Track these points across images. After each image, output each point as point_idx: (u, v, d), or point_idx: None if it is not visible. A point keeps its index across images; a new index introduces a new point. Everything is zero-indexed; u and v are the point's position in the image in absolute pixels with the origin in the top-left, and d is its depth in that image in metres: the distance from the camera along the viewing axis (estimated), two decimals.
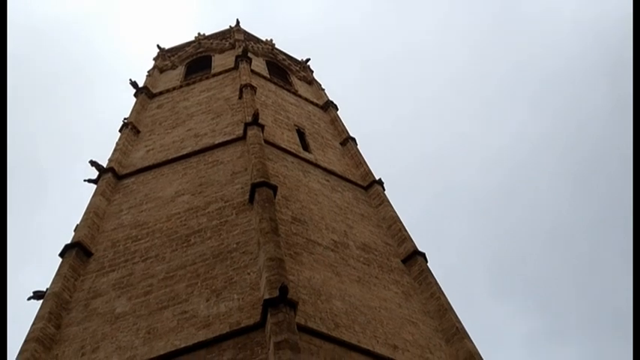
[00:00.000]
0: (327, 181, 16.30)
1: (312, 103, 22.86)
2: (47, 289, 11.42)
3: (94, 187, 15.41)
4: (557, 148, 58.62)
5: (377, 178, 17.38)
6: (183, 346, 9.33)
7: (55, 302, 10.88)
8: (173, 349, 9.33)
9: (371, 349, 9.96)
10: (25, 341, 9.98)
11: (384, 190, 17.08)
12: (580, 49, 61.41)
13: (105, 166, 16.12)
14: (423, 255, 13.92)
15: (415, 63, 71.56)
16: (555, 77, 61.04)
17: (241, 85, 19.50)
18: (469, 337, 11.43)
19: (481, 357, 10.95)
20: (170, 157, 16.23)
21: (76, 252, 12.31)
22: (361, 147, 19.70)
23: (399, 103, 70.03)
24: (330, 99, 23.45)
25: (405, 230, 14.98)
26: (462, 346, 11.16)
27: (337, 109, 22.79)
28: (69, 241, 12.72)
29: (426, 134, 64.92)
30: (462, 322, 11.86)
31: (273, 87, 22.16)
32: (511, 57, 65.28)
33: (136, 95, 21.76)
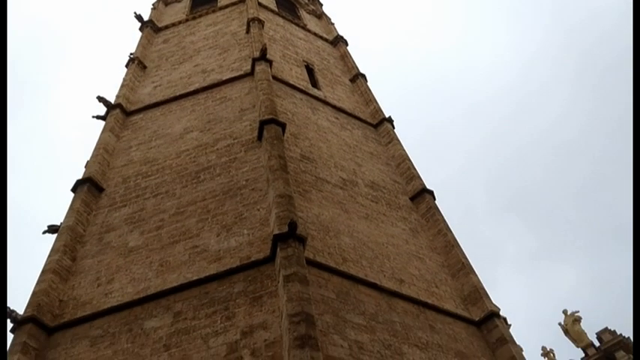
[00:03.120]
0: (337, 118, 16.14)
1: (321, 38, 22.27)
2: (61, 223, 11.66)
3: (101, 123, 15.40)
4: (569, 66, 58.01)
5: (387, 116, 17.18)
6: (195, 278, 9.60)
7: (69, 236, 11.14)
8: (185, 281, 9.61)
9: (378, 282, 10.20)
10: (42, 272, 10.30)
11: (393, 128, 16.92)
12: None
13: (112, 102, 16.02)
14: (431, 193, 13.98)
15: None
16: None
17: (248, 19, 18.96)
18: (474, 272, 11.67)
19: (485, 290, 11.22)
20: (178, 94, 16.07)
21: (88, 187, 12.47)
22: (371, 84, 19.38)
23: (409, 34, 68.78)
24: (340, 34, 22.83)
25: (414, 168, 14.96)
26: (467, 280, 11.41)
27: (347, 45, 22.22)
28: (80, 177, 12.86)
29: (434, 60, 64.28)
30: (468, 258, 12.08)
31: (281, 21, 21.53)
32: None
33: (141, 29, 21.27)
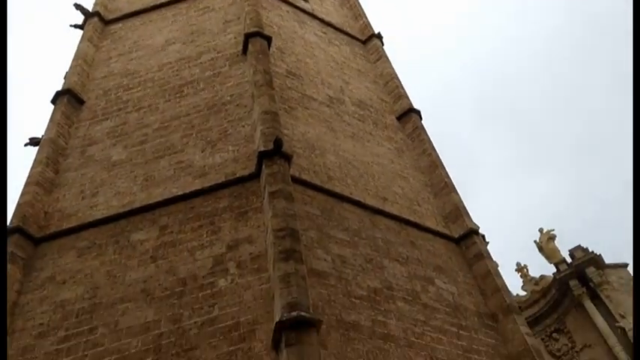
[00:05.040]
0: (324, 33, 15.62)
1: None
2: (42, 136, 11.45)
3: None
4: None
5: (376, 32, 16.67)
6: (180, 193, 9.63)
7: (51, 148, 10.98)
8: (171, 196, 9.65)
9: (362, 200, 10.36)
10: (26, 184, 10.24)
11: (382, 45, 16.48)
12: None
13: (90, 10, 15.25)
14: (418, 112, 13.89)
15: None
16: None
17: None
18: (456, 191, 11.89)
19: (466, 209, 11.49)
20: (158, 2, 15.29)
21: (67, 99, 12.14)
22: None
23: None
24: None
25: (402, 87, 14.76)
26: (448, 199, 11.65)
27: None
28: (59, 88, 12.48)
29: None
30: (451, 177, 12.26)
31: None
32: None
33: None
